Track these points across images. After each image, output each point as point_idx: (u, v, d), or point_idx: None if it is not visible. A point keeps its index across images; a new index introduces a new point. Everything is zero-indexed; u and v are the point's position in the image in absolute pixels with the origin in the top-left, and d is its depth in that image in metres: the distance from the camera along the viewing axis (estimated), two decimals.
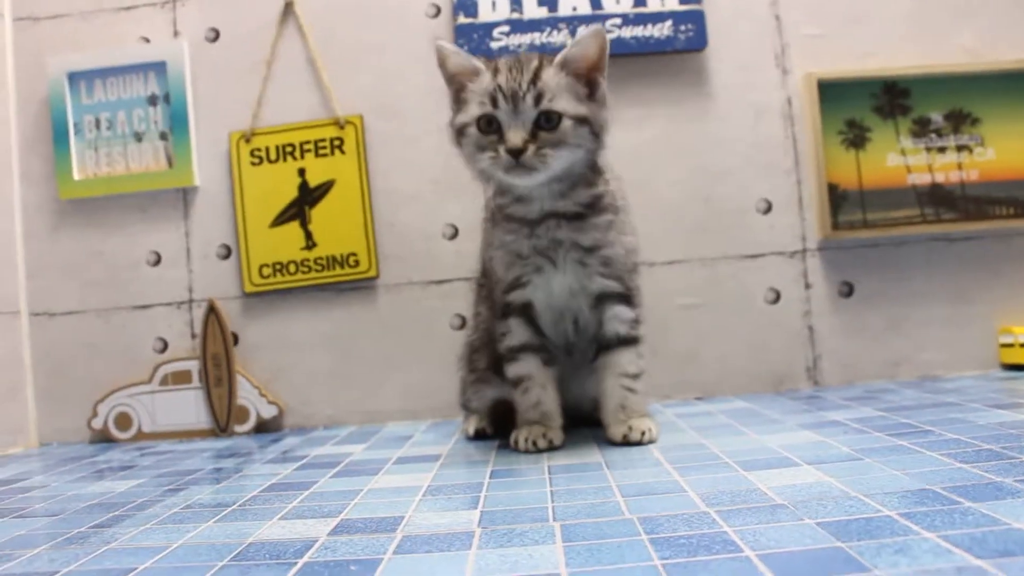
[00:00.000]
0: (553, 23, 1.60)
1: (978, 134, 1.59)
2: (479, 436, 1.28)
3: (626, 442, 1.13)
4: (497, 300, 1.19)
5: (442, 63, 1.14)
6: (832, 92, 1.58)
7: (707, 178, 1.60)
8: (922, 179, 1.59)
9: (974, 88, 1.59)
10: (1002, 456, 0.87)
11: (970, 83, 1.59)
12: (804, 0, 1.62)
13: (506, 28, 1.59)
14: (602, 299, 1.17)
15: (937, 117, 1.60)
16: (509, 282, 1.16)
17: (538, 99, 1.06)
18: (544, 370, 1.18)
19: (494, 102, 1.06)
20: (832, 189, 1.58)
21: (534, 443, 1.12)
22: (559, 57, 1.09)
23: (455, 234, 1.61)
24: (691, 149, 1.61)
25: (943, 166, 1.59)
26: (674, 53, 1.60)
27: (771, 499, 0.78)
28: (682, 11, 1.59)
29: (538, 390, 1.16)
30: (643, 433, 1.13)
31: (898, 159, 1.59)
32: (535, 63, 1.08)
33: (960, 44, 1.61)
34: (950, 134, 1.59)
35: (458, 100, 1.14)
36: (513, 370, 1.18)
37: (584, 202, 1.14)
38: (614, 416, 1.15)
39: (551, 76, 1.07)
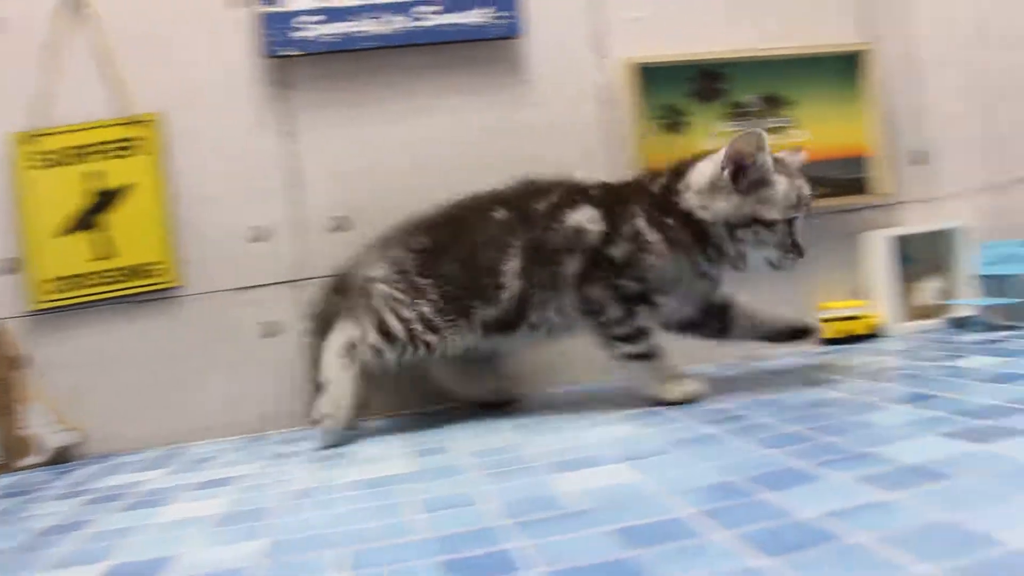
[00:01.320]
0: (369, 10, 1.52)
1: (793, 116, 1.63)
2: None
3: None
4: (629, 286, 1.23)
5: (748, 152, 1.16)
6: (650, 77, 1.58)
7: (526, 165, 1.55)
8: None
9: (786, 72, 1.63)
10: (805, 438, 0.87)
11: (782, 67, 1.62)
12: None
13: (321, 17, 1.51)
14: None
15: (753, 100, 1.62)
16: (661, 288, 1.24)
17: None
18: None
19: (796, 207, 1.18)
20: None
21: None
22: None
23: (261, 237, 1.51)
24: (508, 137, 1.57)
25: None
26: (491, 40, 1.55)
27: (568, 507, 0.74)
28: None
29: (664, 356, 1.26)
30: None
31: (714, 143, 1.60)
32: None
33: (767, 30, 1.64)
34: (766, 116, 1.62)
35: (742, 181, 1.18)
36: (643, 345, 1.24)
37: None
38: (784, 319, 1.35)
39: None
